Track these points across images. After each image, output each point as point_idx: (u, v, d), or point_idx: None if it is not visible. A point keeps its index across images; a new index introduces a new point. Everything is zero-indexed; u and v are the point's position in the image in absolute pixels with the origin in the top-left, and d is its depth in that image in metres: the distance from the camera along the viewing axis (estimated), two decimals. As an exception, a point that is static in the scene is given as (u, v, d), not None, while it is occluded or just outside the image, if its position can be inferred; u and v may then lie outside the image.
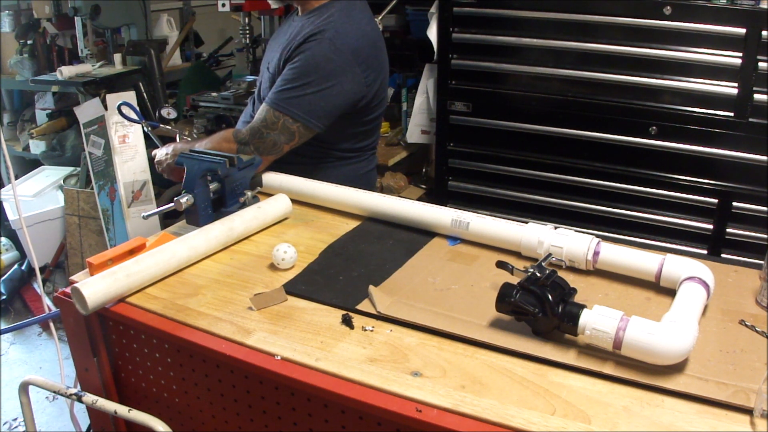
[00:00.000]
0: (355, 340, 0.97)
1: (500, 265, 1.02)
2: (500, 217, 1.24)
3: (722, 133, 2.02)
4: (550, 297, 0.91)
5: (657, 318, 0.91)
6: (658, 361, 0.87)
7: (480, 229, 1.23)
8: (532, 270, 0.95)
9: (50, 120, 3.68)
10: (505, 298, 0.94)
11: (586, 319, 0.90)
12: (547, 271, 0.95)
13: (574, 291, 0.96)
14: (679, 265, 1.04)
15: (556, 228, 1.18)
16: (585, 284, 1.11)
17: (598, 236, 1.16)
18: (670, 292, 1.03)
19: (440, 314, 1.02)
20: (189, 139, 1.80)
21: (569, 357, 0.91)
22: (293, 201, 1.42)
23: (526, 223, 1.20)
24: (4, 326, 3.10)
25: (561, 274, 1.11)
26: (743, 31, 1.90)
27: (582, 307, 0.92)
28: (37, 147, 3.66)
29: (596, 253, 1.12)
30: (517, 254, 1.19)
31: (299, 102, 1.55)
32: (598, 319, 0.89)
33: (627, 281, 1.10)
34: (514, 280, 0.96)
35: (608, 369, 0.89)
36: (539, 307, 0.92)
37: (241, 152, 1.56)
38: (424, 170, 2.90)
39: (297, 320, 1.03)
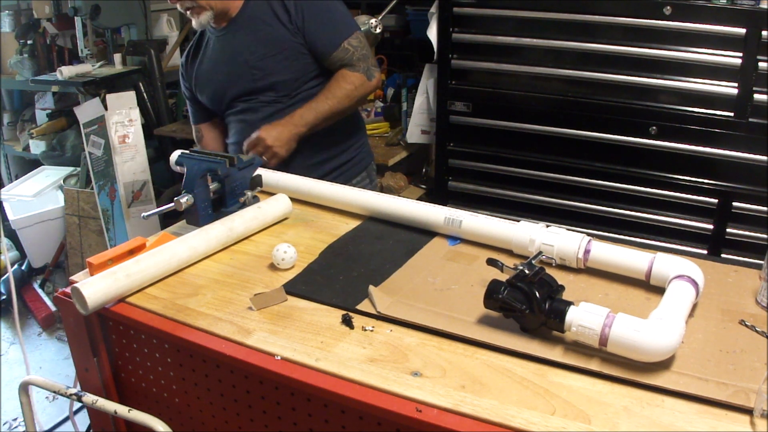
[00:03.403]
0: (355, 340, 0.97)
1: (490, 262, 1.02)
2: (497, 217, 1.25)
3: (722, 133, 2.02)
4: (537, 294, 0.92)
5: (656, 318, 0.91)
6: (643, 358, 0.87)
7: (472, 227, 1.23)
8: (521, 267, 0.95)
9: (50, 120, 3.69)
10: (492, 294, 0.94)
11: (572, 315, 0.90)
12: (536, 268, 0.95)
13: (561, 288, 0.97)
14: (669, 264, 1.04)
15: (548, 226, 1.18)
16: (585, 284, 1.11)
17: (598, 236, 1.16)
18: (670, 292, 1.03)
19: (440, 314, 1.02)
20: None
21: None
22: (293, 201, 1.42)
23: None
24: (3, 326, 3.11)
25: (562, 274, 1.12)
26: (743, 31, 1.90)
27: (569, 304, 0.92)
28: (37, 147, 3.66)
29: (587, 252, 1.12)
30: (518, 253, 1.19)
31: (344, 19, 1.84)
32: (584, 315, 0.89)
33: (628, 281, 1.10)
34: (505, 277, 0.96)
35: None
36: (526, 303, 0.92)
37: (371, 77, 1.84)
38: (424, 170, 2.90)
39: (297, 320, 1.03)
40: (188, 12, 1.81)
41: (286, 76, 1.83)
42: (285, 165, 1.77)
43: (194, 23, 1.85)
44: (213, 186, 1.33)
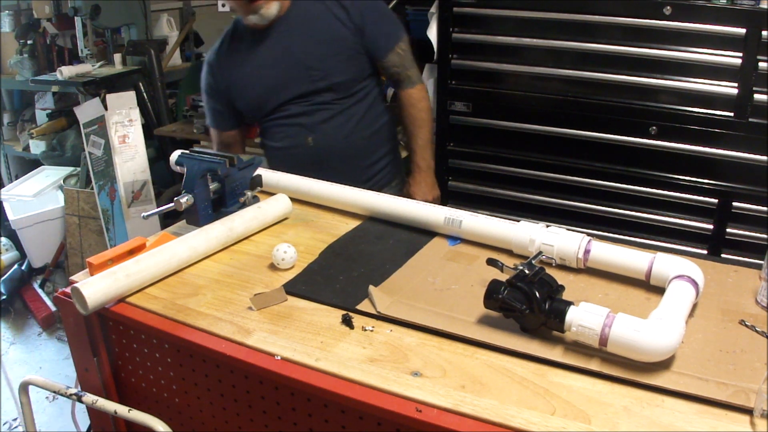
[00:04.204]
0: (355, 340, 0.97)
1: (490, 262, 1.02)
2: (497, 217, 1.25)
3: (722, 133, 2.01)
4: (537, 294, 0.92)
5: (656, 318, 0.91)
6: (643, 358, 0.87)
7: (472, 227, 1.24)
8: (521, 267, 0.95)
9: (50, 120, 3.69)
10: (492, 294, 0.94)
11: (572, 315, 0.90)
12: (536, 269, 0.95)
13: (561, 288, 0.97)
14: (669, 264, 1.04)
15: (548, 226, 1.18)
16: (585, 284, 1.11)
17: (598, 236, 1.15)
18: (670, 292, 1.03)
19: (440, 314, 1.02)
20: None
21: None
22: (293, 201, 1.42)
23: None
24: (3, 326, 3.11)
25: (562, 274, 1.12)
26: (743, 31, 1.90)
27: (569, 304, 0.92)
28: (37, 147, 3.66)
29: (587, 252, 1.12)
30: (518, 253, 1.19)
31: (396, 23, 1.89)
32: (584, 315, 0.89)
33: (628, 281, 1.10)
34: (505, 277, 0.96)
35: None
36: (526, 303, 0.92)
37: (422, 80, 1.93)
38: (424, 170, 2.89)
39: (297, 320, 1.03)
40: (254, 3, 1.72)
41: (345, 76, 1.82)
42: (342, 164, 1.81)
43: (258, 17, 1.75)
44: (213, 186, 1.33)
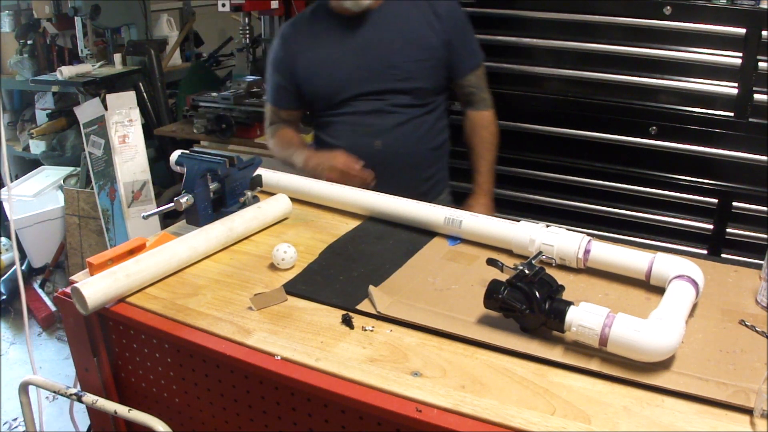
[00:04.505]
0: (355, 340, 0.97)
1: (490, 262, 1.02)
2: (497, 217, 1.25)
3: (722, 133, 2.02)
4: (537, 294, 0.92)
5: (656, 318, 0.91)
6: (643, 358, 0.87)
7: (472, 227, 1.24)
8: (521, 267, 0.95)
9: (50, 120, 3.69)
10: (492, 294, 0.94)
11: (572, 315, 0.90)
12: (536, 268, 0.95)
13: (561, 288, 0.97)
14: (669, 264, 1.04)
15: (548, 226, 1.18)
16: (585, 284, 1.11)
17: (598, 236, 1.15)
18: (670, 292, 1.03)
19: (440, 314, 1.02)
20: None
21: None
22: (293, 201, 1.42)
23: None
24: (3, 327, 3.11)
25: (562, 274, 1.12)
26: (743, 31, 1.90)
27: (569, 304, 0.92)
28: (37, 147, 3.66)
29: (587, 252, 1.12)
30: (518, 253, 1.19)
31: (479, 46, 1.86)
32: (584, 315, 0.89)
33: (628, 281, 1.10)
34: (505, 277, 0.96)
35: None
36: (526, 303, 0.92)
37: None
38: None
39: (297, 320, 1.03)
40: None
41: (425, 84, 1.77)
42: (403, 172, 1.78)
43: (352, 3, 1.68)
44: (213, 186, 1.32)
